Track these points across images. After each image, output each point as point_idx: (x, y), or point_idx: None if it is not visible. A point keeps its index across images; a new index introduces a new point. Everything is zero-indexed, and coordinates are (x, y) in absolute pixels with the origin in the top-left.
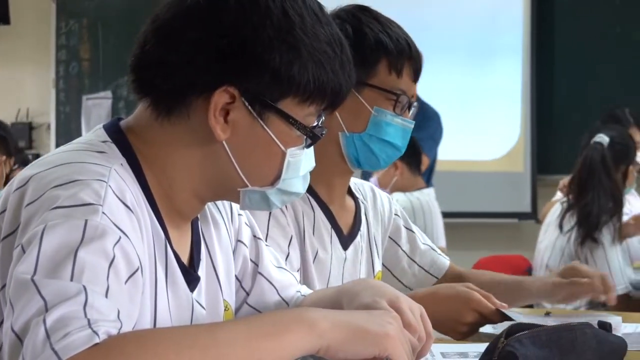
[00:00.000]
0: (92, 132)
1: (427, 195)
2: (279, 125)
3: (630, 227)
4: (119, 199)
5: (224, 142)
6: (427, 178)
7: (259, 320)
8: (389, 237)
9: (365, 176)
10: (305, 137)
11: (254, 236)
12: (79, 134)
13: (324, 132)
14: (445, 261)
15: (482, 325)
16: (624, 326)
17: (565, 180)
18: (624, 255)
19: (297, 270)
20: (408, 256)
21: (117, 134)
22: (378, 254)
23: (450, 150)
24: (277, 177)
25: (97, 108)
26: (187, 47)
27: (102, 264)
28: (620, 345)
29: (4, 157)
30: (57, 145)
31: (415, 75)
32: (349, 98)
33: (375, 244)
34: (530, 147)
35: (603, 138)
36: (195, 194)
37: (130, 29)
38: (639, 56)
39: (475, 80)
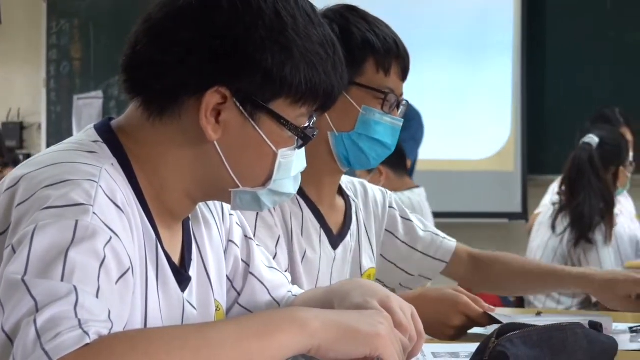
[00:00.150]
0: (83, 132)
1: (418, 196)
2: (270, 126)
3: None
4: (110, 199)
5: (215, 143)
6: None
7: (250, 320)
8: (386, 230)
9: None
10: (296, 138)
11: (245, 236)
12: (70, 134)
13: (315, 133)
14: (450, 244)
15: (470, 328)
16: (614, 326)
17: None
18: (616, 256)
19: (285, 271)
20: (408, 246)
21: (108, 133)
22: (373, 252)
23: (440, 149)
24: (269, 178)
25: (88, 108)
26: (179, 47)
27: (92, 264)
28: (611, 346)
29: None
30: (48, 145)
31: (404, 74)
32: None
33: (369, 241)
34: (520, 147)
35: (592, 139)
36: (187, 194)
37: (121, 29)
38: (632, 55)
39: (466, 78)
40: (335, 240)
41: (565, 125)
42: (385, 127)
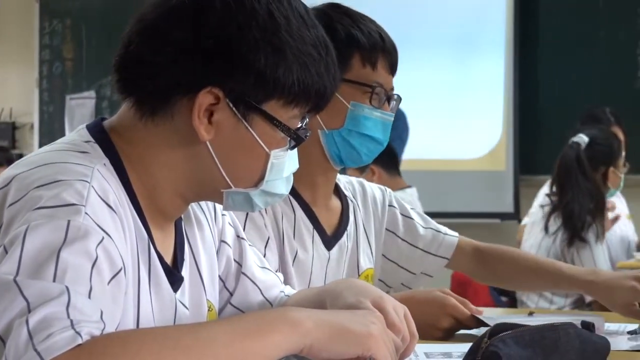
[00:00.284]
0: (75, 132)
1: (410, 196)
2: (263, 127)
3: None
4: (102, 199)
5: (207, 143)
6: None
7: (242, 320)
8: (386, 229)
9: None
10: (289, 139)
11: (238, 236)
12: (63, 134)
13: (308, 134)
14: (452, 239)
15: (457, 330)
16: (607, 326)
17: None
18: (605, 257)
19: (276, 272)
20: (409, 244)
21: (100, 134)
22: (372, 252)
23: (431, 148)
24: (261, 179)
25: (80, 108)
26: (172, 47)
27: (84, 265)
28: (603, 346)
29: None
30: (41, 145)
31: (392, 67)
32: None
33: (368, 242)
34: (512, 146)
35: (582, 138)
36: (179, 195)
37: (113, 29)
38: (624, 54)
39: (458, 77)
40: (330, 241)
41: (557, 125)
42: (375, 122)
